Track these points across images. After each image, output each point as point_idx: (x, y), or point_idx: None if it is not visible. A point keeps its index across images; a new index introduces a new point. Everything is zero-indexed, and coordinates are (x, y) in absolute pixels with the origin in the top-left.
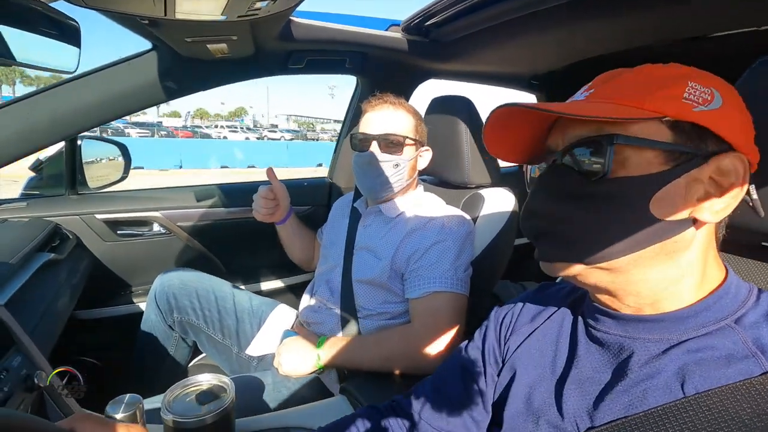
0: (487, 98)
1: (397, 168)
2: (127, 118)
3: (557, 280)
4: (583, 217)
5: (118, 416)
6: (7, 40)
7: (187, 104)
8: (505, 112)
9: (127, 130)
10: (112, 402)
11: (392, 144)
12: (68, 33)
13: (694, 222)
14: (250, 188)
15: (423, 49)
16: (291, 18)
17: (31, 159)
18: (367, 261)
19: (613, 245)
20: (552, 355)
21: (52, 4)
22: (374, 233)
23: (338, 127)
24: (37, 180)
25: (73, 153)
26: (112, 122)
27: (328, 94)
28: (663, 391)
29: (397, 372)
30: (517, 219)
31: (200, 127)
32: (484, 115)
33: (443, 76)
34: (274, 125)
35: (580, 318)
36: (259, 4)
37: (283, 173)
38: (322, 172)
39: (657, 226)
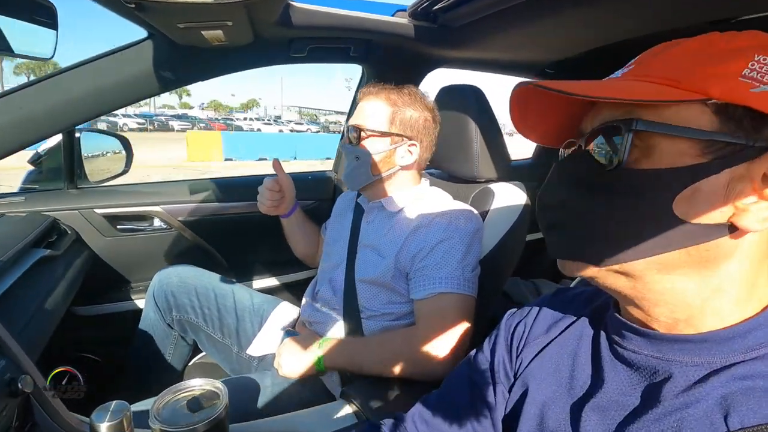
0: (500, 88)
1: (358, 161)
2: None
3: (572, 283)
4: (596, 211)
5: (104, 425)
6: None
7: (199, 96)
8: (522, 92)
9: (170, 123)
10: (98, 409)
11: (355, 136)
12: (43, 15)
13: (733, 228)
14: (252, 182)
15: (431, 36)
16: (290, 3)
17: (30, 153)
18: (371, 259)
19: (626, 247)
20: (569, 371)
21: None
22: (377, 230)
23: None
24: (36, 174)
25: (71, 146)
26: (152, 115)
27: (344, 87)
28: (702, 424)
29: (400, 376)
30: (529, 214)
31: (231, 119)
32: (495, 107)
33: (453, 64)
34: (278, 117)
35: (602, 331)
36: None
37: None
38: None
39: (681, 229)
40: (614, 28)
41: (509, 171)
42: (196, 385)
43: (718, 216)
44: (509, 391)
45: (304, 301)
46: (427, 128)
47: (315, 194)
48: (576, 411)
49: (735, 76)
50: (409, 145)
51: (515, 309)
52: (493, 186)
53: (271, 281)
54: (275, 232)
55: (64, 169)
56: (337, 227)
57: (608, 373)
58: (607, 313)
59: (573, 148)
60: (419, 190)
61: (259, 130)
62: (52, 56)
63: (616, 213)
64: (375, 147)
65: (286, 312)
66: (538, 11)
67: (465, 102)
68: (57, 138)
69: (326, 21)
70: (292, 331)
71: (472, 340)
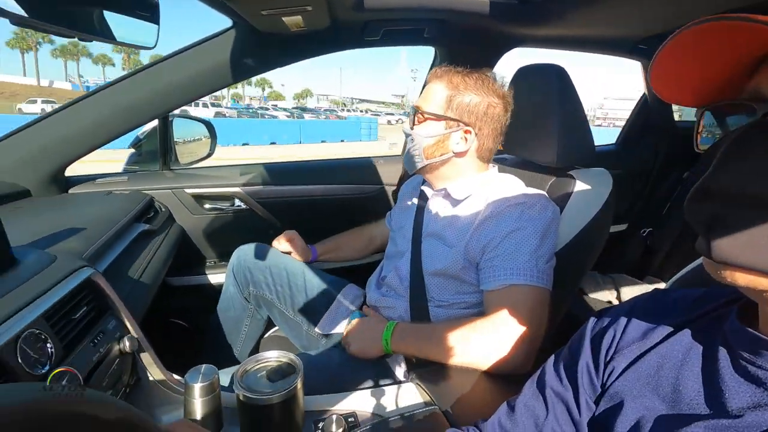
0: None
1: (412, 143)
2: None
3: (668, 284)
4: None
5: (197, 385)
6: (92, 18)
7: (254, 88)
8: (702, 29)
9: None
10: (191, 371)
11: (411, 118)
12: (147, 10)
13: None
14: (326, 166)
15: (511, 13)
16: None
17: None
18: (437, 250)
19: None
20: (672, 386)
21: None
22: (442, 218)
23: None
24: (137, 156)
25: (165, 131)
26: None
27: (410, 77)
28: None
29: (469, 366)
30: (614, 204)
31: (334, 110)
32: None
33: (533, 43)
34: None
35: (719, 344)
36: None
37: None
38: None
39: None
40: None
41: (593, 157)
42: (274, 357)
43: None
44: (596, 403)
45: (370, 285)
46: (490, 115)
47: (384, 179)
48: (683, 430)
49: None
50: (464, 132)
51: (602, 311)
52: (575, 173)
53: (341, 263)
54: (346, 215)
55: (159, 152)
56: (401, 215)
57: (730, 392)
58: (725, 324)
59: (758, 117)
60: (486, 176)
61: (275, 117)
62: (155, 46)
63: None
64: (428, 130)
65: (353, 293)
66: None
67: (547, 82)
68: (152, 123)
69: (402, 2)
70: (359, 312)
71: (548, 335)
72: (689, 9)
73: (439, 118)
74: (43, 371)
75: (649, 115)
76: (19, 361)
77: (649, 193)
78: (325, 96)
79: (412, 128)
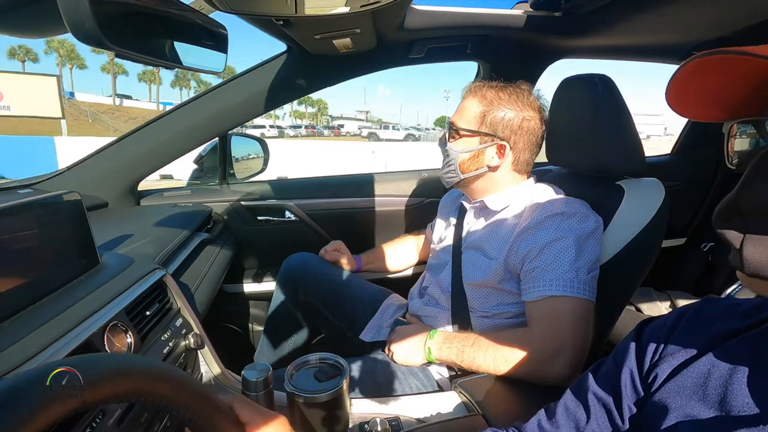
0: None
1: (448, 158)
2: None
3: (724, 295)
4: None
5: (253, 380)
6: (175, 51)
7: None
8: (710, 60)
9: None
10: (248, 367)
11: (448, 133)
12: (219, 40)
13: None
14: (373, 179)
15: (554, 25)
16: (412, 6)
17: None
18: (478, 261)
19: None
20: (719, 396)
21: (210, 15)
22: (481, 230)
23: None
24: (199, 171)
25: (224, 148)
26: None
27: (443, 98)
28: None
29: (512, 377)
30: (667, 216)
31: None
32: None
33: (578, 54)
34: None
35: None
36: None
37: None
38: None
39: None
40: None
41: (643, 166)
42: (322, 359)
43: None
44: (639, 410)
45: (412, 294)
46: (525, 128)
47: (426, 192)
48: None
49: None
50: (498, 146)
51: (650, 318)
52: (624, 183)
53: (383, 274)
54: (392, 228)
55: (219, 167)
56: (441, 227)
57: None
58: None
59: None
60: (523, 188)
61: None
62: (223, 71)
63: None
64: (462, 146)
65: (396, 303)
66: None
67: (592, 92)
68: (213, 141)
69: (445, 20)
70: (402, 321)
71: (595, 350)
72: (747, 11)
73: (473, 134)
74: None
75: (707, 124)
76: (106, 348)
77: (709, 206)
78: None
79: (446, 144)
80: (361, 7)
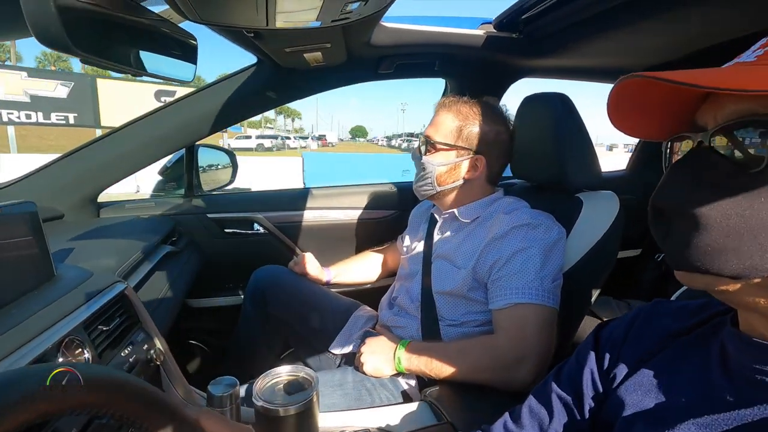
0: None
1: (424, 172)
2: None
3: (673, 296)
4: (735, 215)
5: (219, 394)
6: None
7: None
8: (635, 83)
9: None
10: (213, 382)
11: (424, 147)
12: (188, 50)
13: None
14: (342, 192)
15: (516, 46)
16: (381, 23)
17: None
18: (447, 271)
19: None
20: (673, 390)
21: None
22: (451, 241)
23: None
24: (163, 182)
25: (191, 159)
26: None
27: (399, 110)
28: None
29: (480, 383)
30: (622, 227)
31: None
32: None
33: (538, 74)
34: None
35: (718, 349)
36: (350, 7)
37: None
38: None
39: None
40: (720, 28)
41: (600, 180)
42: (291, 372)
43: None
44: (599, 407)
45: (382, 305)
46: (498, 142)
47: (395, 204)
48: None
49: None
50: (474, 159)
51: (607, 321)
52: (582, 195)
53: (354, 286)
54: (359, 239)
55: (185, 179)
56: (412, 238)
57: (722, 391)
58: (722, 330)
59: (691, 146)
60: (492, 199)
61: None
62: (192, 80)
63: (764, 219)
64: (440, 159)
65: (366, 315)
66: (634, 14)
67: (552, 109)
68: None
69: (414, 38)
70: (372, 332)
71: (558, 357)
72: (693, 36)
73: (450, 147)
74: None
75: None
76: None
77: None
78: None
79: (423, 156)
80: (332, 21)
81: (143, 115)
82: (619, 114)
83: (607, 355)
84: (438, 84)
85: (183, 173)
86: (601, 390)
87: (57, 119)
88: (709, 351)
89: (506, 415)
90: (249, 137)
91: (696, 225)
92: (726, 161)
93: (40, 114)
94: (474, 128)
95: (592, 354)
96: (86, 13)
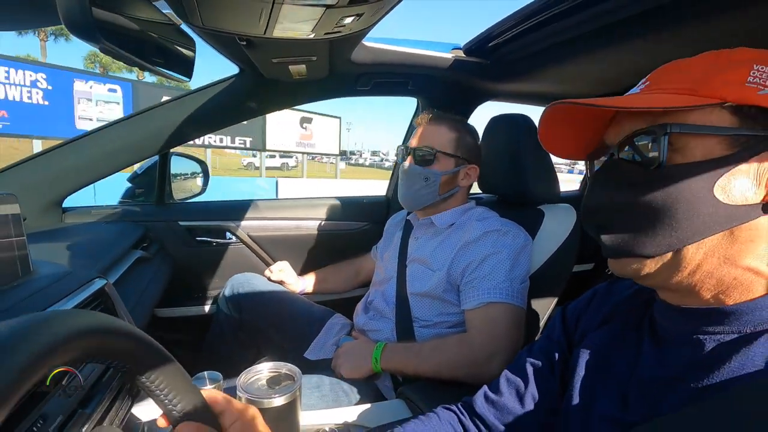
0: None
1: (427, 181)
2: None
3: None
4: (644, 205)
5: (205, 389)
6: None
7: None
8: (559, 109)
9: None
10: (195, 378)
11: (423, 157)
12: (188, 51)
13: (767, 208)
14: (317, 203)
15: (484, 71)
16: (363, 42)
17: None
18: (421, 273)
19: (677, 234)
20: (617, 353)
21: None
22: (426, 245)
23: None
24: (133, 189)
25: (164, 166)
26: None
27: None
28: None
29: (454, 379)
30: (579, 237)
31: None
32: None
33: (503, 97)
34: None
35: (647, 317)
36: (346, 21)
37: None
38: None
39: (723, 212)
40: (670, 59)
41: (558, 193)
42: (274, 367)
43: (752, 196)
44: (565, 368)
45: (357, 311)
46: (480, 155)
47: (369, 217)
48: (622, 388)
49: (742, 83)
50: (469, 168)
51: (573, 301)
52: (544, 207)
53: (328, 295)
54: (334, 250)
55: (156, 186)
56: (387, 245)
57: (648, 351)
58: (654, 303)
59: (604, 159)
60: (467, 208)
61: None
62: (190, 79)
63: (664, 205)
64: (443, 168)
65: (340, 322)
66: (594, 43)
67: (516, 129)
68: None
69: (391, 58)
70: (348, 337)
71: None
72: (643, 68)
73: (452, 157)
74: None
75: None
76: None
77: None
78: None
79: (425, 167)
80: (325, 34)
81: (117, 120)
82: (548, 136)
83: (571, 328)
84: (368, 105)
85: (154, 180)
86: (567, 356)
87: (239, 143)
88: (642, 319)
89: (484, 387)
90: (273, 156)
91: (618, 216)
92: (631, 165)
93: (227, 138)
94: (469, 139)
95: (559, 326)
96: (113, 5)
